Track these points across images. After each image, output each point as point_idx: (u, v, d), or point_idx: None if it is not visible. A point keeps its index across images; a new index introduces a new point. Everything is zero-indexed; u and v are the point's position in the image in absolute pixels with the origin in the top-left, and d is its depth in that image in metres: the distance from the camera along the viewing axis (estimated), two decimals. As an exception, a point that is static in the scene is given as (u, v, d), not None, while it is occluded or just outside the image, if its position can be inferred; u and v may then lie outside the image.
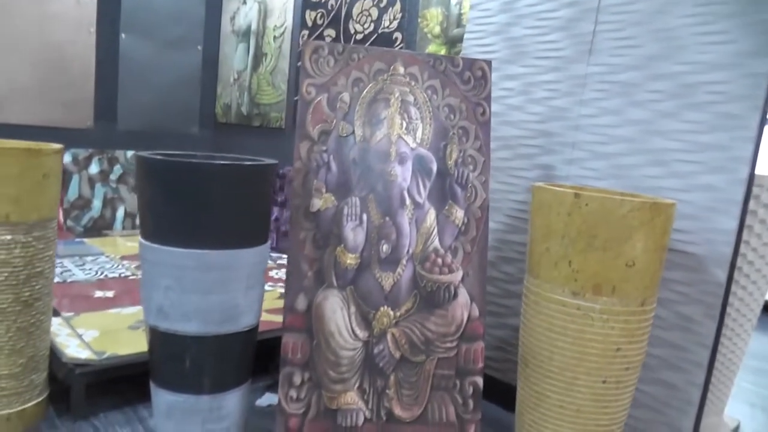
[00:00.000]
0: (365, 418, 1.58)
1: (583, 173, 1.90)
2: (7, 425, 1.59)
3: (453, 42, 2.41)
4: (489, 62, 1.77)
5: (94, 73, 3.19)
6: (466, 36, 2.23)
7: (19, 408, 1.61)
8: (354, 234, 1.62)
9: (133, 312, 2.13)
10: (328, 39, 2.90)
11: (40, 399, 1.68)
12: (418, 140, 1.69)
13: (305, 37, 3.03)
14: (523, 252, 2.01)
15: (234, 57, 3.48)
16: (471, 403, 1.65)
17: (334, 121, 1.65)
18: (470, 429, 1.64)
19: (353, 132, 1.66)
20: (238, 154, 1.58)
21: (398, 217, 1.64)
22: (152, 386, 1.55)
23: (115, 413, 1.76)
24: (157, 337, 1.50)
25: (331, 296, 1.59)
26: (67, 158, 3.10)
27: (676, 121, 1.72)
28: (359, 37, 2.75)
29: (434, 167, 1.69)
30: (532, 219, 1.59)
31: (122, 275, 2.55)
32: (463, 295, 1.66)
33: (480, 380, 1.66)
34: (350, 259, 1.61)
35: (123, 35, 3.24)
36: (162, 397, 1.52)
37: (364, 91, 1.68)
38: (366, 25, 2.71)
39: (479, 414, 1.65)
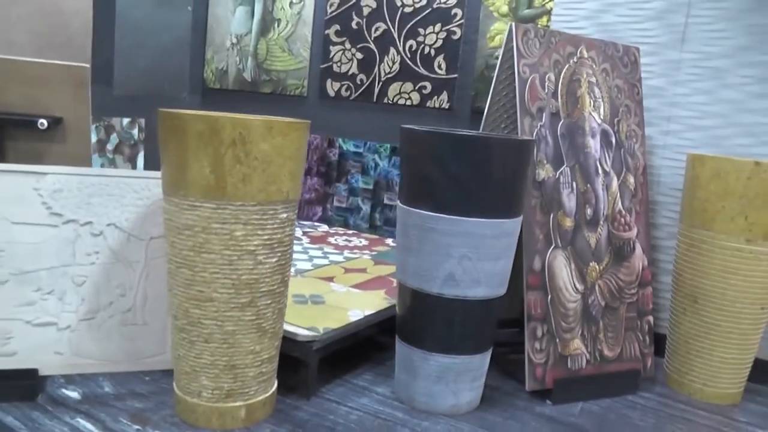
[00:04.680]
0: (587, 361, 1.82)
1: (680, 143, 2.27)
2: (263, 410, 1.56)
3: (523, 22, 2.62)
4: (638, 48, 2.05)
5: (91, 30, 2.82)
6: (553, 18, 2.46)
7: (271, 391, 1.59)
8: (569, 200, 1.81)
9: (270, 289, 2.08)
10: (366, 10, 2.92)
11: (277, 381, 1.65)
12: (602, 117, 1.92)
13: (335, 6, 3.00)
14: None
15: (231, 20, 3.29)
16: (647, 339, 1.96)
17: (546, 99, 1.81)
18: (648, 361, 1.96)
19: (559, 109, 1.83)
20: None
21: (595, 185, 1.87)
22: (419, 353, 1.61)
23: (335, 387, 1.77)
24: (438, 304, 1.56)
25: (558, 256, 1.78)
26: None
27: (765, 101, 2.15)
28: (408, 10, 2.82)
29: (613, 140, 1.94)
30: (703, 183, 1.92)
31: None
32: (638, 249, 1.96)
33: (652, 318, 1.98)
34: (568, 222, 1.81)
35: (120, -10, 2.90)
36: (434, 361, 1.60)
37: (563, 72, 1.86)
38: (416, -2, 2.79)
39: (653, 348, 1.97)
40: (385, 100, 2.90)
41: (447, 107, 2.76)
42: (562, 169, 1.81)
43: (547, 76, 1.82)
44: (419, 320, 1.61)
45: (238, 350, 1.46)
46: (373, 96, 2.94)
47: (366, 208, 2.94)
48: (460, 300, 1.56)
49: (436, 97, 2.77)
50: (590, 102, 1.89)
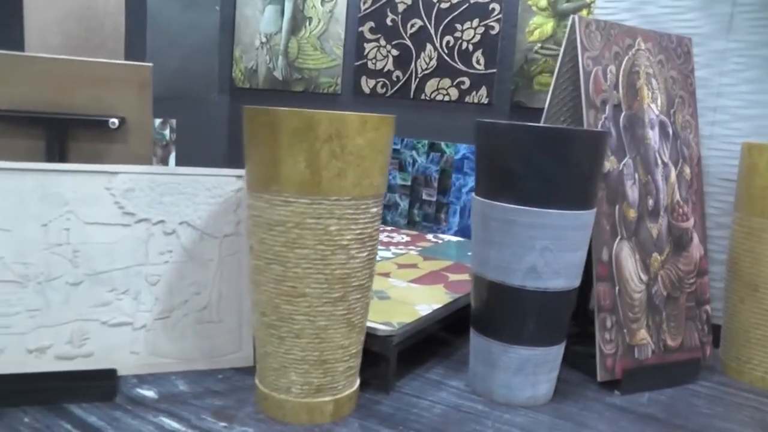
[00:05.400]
0: (652, 351, 1.84)
1: (727, 132, 2.29)
2: (349, 405, 1.57)
3: (563, 16, 2.63)
4: (690, 39, 2.07)
5: (124, 32, 2.81)
6: (595, 11, 2.48)
7: (356, 386, 1.59)
8: (632, 191, 1.83)
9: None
10: (402, 7, 2.93)
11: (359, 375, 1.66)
12: (659, 108, 1.94)
13: (368, 3, 3.00)
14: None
15: (260, 19, 3.28)
16: (705, 328, 1.99)
17: (608, 91, 1.83)
18: (707, 350, 1.98)
19: (620, 101, 1.85)
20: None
21: (655, 176, 1.89)
22: (498, 345, 1.63)
23: (409, 381, 1.77)
24: (519, 296, 1.58)
25: (624, 247, 1.80)
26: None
27: (808, 90, 2.18)
28: (444, 6, 2.83)
29: (671, 131, 1.96)
30: (761, 171, 1.94)
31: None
32: (696, 238, 1.98)
33: (709, 308, 2.00)
34: (632, 213, 1.83)
35: (153, -10, 2.88)
36: (514, 353, 1.62)
37: (623, 64, 1.88)
38: (452, -6, 2.80)
39: (711, 336, 2.00)
40: (422, 97, 2.91)
41: (486, 102, 2.77)
42: (625, 160, 1.83)
43: (608, 68, 1.84)
44: (499, 312, 1.62)
45: (329, 345, 1.46)
46: (409, 92, 2.94)
47: (404, 204, 2.95)
48: (541, 292, 1.57)
49: (474, 92, 2.78)
50: (648, 93, 1.91)
